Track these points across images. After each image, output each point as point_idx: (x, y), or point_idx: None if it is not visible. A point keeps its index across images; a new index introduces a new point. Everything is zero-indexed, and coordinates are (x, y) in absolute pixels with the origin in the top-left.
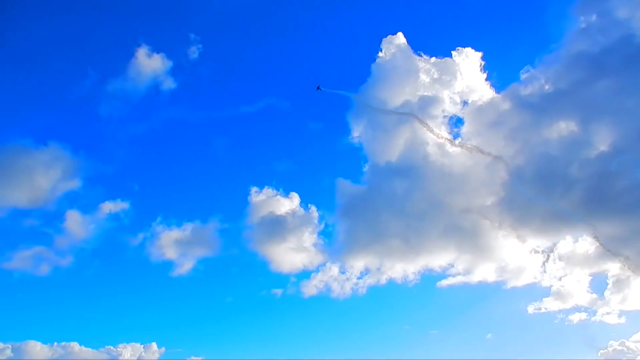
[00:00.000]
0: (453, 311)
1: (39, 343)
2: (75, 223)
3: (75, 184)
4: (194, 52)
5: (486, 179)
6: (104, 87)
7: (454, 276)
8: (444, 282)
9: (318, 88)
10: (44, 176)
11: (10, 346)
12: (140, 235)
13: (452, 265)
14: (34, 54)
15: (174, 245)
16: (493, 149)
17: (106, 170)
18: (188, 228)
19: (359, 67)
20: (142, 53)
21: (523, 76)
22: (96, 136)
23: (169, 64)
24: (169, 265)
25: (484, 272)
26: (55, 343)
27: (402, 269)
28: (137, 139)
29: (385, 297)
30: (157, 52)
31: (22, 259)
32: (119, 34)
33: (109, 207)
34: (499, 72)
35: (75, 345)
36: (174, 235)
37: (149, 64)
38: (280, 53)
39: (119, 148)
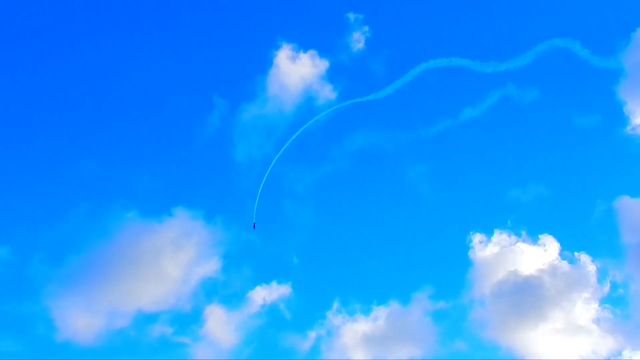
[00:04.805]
0: None
1: None
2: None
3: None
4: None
5: None
6: None
7: None
8: None
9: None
10: None
11: None
12: (312, 334)
13: None
14: None
15: (363, 344)
16: None
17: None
18: (380, 315)
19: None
20: None
21: None
22: None
23: None
24: None
25: None
26: None
27: None
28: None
29: None
30: None
31: None
32: None
33: (260, 295)
34: None
35: None
36: (361, 328)
37: None
38: None
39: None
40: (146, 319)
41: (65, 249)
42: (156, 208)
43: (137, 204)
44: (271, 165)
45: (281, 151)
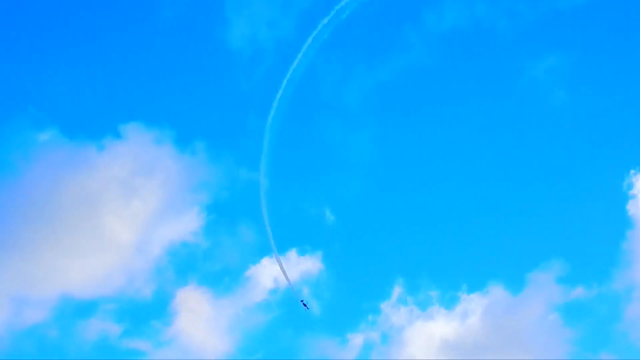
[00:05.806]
0: None
1: None
2: None
3: None
4: None
5: None
6: None
7: None
8: None
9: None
10: None
11: None
12: (356, 339)
13: None
14: None
15: (444, 356)
16: None
17: None
18: (473, 309)
19: None
20: None
21: None
22: None
23: None
24: None
25: None
26: None
27: None
28: None
29: None
30: None
31: None
32: None
33: (269, 273)
34: None
35: None
36: (440, 330)
37: None
38: None
39: None
40: (77, 310)
41: None
42: (92, 125)
43: (57, 119)
44: (298, 59)
45: (314, 33)
